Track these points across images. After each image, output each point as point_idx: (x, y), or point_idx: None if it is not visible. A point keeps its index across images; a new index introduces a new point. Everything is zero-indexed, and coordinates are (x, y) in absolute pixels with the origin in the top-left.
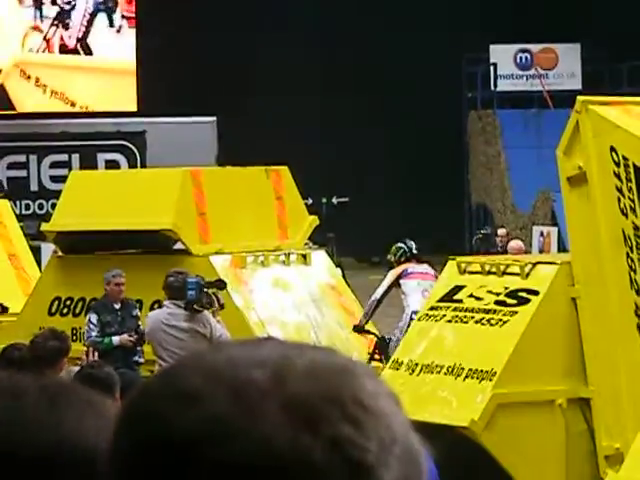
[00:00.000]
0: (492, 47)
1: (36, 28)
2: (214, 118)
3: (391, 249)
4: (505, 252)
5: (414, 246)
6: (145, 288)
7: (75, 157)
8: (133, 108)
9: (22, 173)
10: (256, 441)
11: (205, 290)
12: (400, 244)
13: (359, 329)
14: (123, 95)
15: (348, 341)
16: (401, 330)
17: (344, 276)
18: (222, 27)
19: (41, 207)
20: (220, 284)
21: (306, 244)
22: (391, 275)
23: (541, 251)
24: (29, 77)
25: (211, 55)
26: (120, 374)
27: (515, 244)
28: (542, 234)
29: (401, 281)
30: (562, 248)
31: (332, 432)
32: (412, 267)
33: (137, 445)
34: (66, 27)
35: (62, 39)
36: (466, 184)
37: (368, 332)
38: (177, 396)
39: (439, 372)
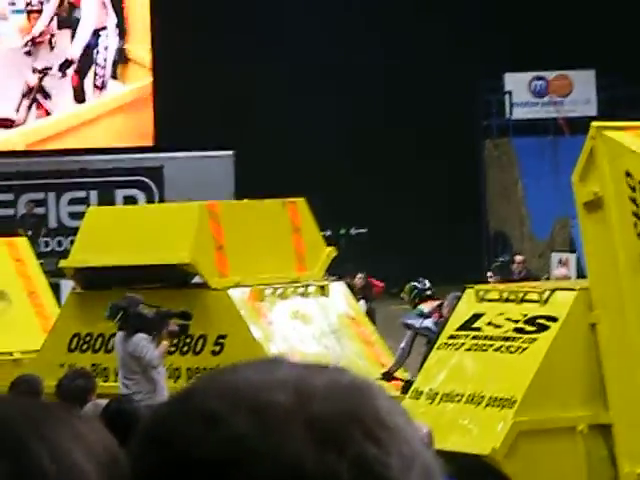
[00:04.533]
0: (507, 75)
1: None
2: (231, 152)
3: (405, 287)
4: (523, 279)
5: (427, 285)
6: None
7: (93, 193)
8: (149, 142)
9: (41, 210)
10: (283, 462)
11: (140, 314)
12: (414, 283)
13: (388, 377)
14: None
15: (368, 373)
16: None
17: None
18: (235, 59)
19: (60, 244)
20: (184, 316)
21: (325, 276)
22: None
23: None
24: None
25: (224, 87)
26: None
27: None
28: (560, 261)
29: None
30: (581, 274)
31: (357, 451)
32: (428, 305)
33: (159, 468)
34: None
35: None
36: (484, 213)
37: (396, 378)
38: (197, 418)
39: (459, 401)
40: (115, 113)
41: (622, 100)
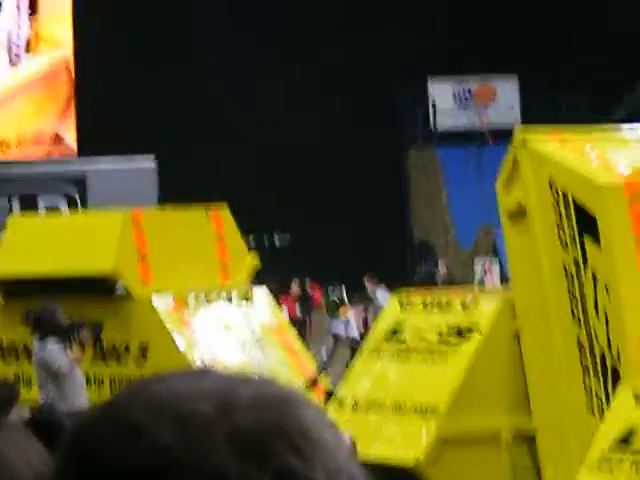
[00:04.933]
0: (430, 84)
1: None
2: (152, 159)
3: (320, 299)
4: (447, 286)
5: (345, 294)
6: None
7: (15, 202)
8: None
9: None
10: (204, 474)
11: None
12: (331, 295)
13: (312, 384)
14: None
15: (291, 382)
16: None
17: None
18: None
19: None
20: (95, 326)
21: (248, 285)
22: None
23: (482, 282)
24: None
25: (146, 90)
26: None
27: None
28: (484, 267)
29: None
30: (504, 281)
31: (279, 463)
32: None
33: (82, 479)
34: None
35: None
36: (409, 221)
37: (318, 386)
38: (121, 428)
39: (383, 409)
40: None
41: (545, 106)
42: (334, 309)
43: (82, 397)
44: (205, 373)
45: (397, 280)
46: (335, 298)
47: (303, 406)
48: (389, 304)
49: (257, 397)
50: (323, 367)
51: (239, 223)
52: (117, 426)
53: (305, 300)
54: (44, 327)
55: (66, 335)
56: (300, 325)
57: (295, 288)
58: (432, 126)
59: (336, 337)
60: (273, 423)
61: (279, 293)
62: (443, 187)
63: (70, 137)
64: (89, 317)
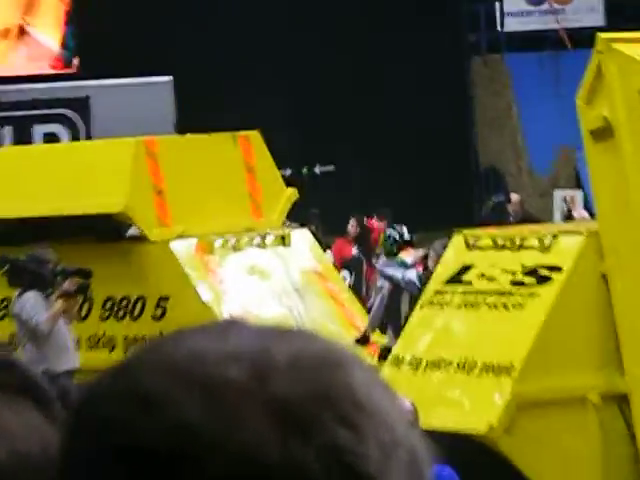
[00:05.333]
0: None
1: None
2: (170, 78)
3: (379, 239)
4: (521, 223)
5: (405, 232)
6: (95, 285)
7: (7, 130)
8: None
9: None
10: (238, 453)
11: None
12: (389, 231)
13: (363, 341)
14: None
15: (339, 338)
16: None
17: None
18: None
19: None
20: (83, 273)
21: (285, 223)
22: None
23: (566, 219)
24: None
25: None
26: None
27: (580, 214)
28: (565, 200)
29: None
30: (591, 215)
31: (326, 438)
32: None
33: (92, 459)
34: None
35: None
36: (473, 144)
37: (372, 343)
38: (133, 399)
39: (448, 369)
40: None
41: (632, 9)
42: (391, 250)
43: (66, 361)
44: (232, 328)
45: (461, 215)
46: (394, 237)
47: (352, 367)
48: (453, 244)
49: (297, 357)
50: (377, 319)
51: (274, 154)
52: (128, 399)
53: (362, 241)
54: (22, 276)
55: (48, 285)
56: (356, 270)
57: (350, 227)
58: (499, 29)
59: (393, 282)
60: (318, 390)
61: (326, 233)
62: (513, 102)
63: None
64: (91, 265)
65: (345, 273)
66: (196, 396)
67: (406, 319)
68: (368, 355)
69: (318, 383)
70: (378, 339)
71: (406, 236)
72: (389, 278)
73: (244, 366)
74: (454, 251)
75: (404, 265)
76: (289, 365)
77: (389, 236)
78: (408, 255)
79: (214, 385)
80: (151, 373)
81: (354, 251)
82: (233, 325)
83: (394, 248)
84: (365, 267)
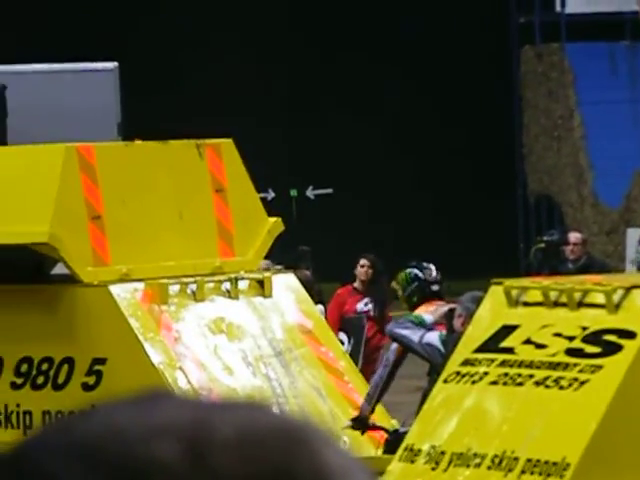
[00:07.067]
0: None
1: None
2: (115, 64)
3: (398, 276)
4: (583, 270)
5: (434, 274)
6: (7, 340)
7: None
8: None
9: None
10: None
11: None
12: (414, 270)
13: (361, 423)
14: None
15: (333, 417)
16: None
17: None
18: None
19: None
20: None
21: (264, 264)
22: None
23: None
24: None
25: None
26: None
27: None
28: None
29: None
30: None
31: None
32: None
33: None
34: None
35: None
36: (519, 164)
37: (374, 427)
38: None
39: (479, 465)
40: None
41: None
42: (410, 300)
43: None
44: (160, 398)
45: (502, 258)
46: (421, 278)
47: (318, 445)
48: (490, 298)
49: (245, 433)
50: (375, 391)
51: (253, 173)
52: None
53: (374, 291)
54: None
55: None
56: (358, 333)
57: (359, 270)
58: (559, 10)
59: (404, 345)
60: (277, 469)
61: (321, 278)
62: (574, 108)
63: None
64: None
65: (342, 336)
66: None
67: (424, 397)
68: (370, 440)
69: (277, 463)
70: (385, 421)
71: (434, 284)
72: (400, 340)
73: (175, 442)
74: (491, 308)
75: (421, 324)
76: (235, 441)
77: (414, 276)
78: (427, 311)
79: (136, 468)
80: (53, 456)
81: (360, 306)
82: (161, 395)
83: (415, 297)
84: (372, 330)
